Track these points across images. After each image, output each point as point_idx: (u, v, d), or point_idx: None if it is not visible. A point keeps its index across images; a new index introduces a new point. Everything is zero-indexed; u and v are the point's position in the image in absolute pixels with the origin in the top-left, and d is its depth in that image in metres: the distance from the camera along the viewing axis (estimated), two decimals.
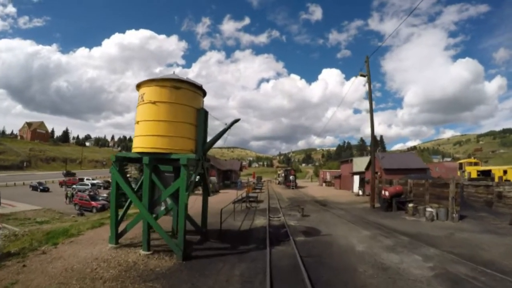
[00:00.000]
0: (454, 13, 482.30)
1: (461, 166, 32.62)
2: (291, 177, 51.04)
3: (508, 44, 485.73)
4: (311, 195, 34.90)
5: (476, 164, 31.64)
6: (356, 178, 36.39)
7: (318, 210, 19.84)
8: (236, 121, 9.83)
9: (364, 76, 22.59)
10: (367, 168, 32.61)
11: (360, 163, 39.20)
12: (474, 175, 27.90)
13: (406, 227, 13.57)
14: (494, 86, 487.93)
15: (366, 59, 22.97)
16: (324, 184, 59.24)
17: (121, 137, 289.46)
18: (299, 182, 55.71)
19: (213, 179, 50.77)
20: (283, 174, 62.62)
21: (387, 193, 19.34)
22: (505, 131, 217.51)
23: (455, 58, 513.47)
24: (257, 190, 38.97)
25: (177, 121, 8.98)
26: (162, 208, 10.10)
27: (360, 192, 32.36)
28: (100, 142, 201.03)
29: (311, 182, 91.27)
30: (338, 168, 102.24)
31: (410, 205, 18.68)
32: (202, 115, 9.62)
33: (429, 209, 16.27)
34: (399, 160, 30.49)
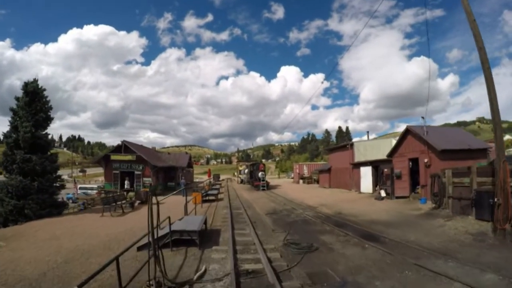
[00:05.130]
0: (411, 16, 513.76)
1: None
2: (260, 174, 36.65)
3: (461, 45, 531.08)
4: (301, 201, 21.32)
5: None
6: (366, 171, 23.65)
7: None
8: None
9: None
10: (391, 154, 19.98)
11: (364, 149, 26.67)
12: None
13: None
14: (446, 83, 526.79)
15: None
16: (301, 181, 46.28)
17: (70, 136, 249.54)
18: (267, 178, 41.26)
19: (147, 180, 35.39)
20: (246, 171, 48.11)
21: None
22: (460, 124, 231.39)
23: (410, 57, 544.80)
24: (212, 197, 24.37)
25: None
26: None
27: (383, 193, 19.66)
28: None
29: (278, 178, 78.59)
30: (305, 160, 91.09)
31: None
32: None
33: None
34: (451, 137, 18.24)
